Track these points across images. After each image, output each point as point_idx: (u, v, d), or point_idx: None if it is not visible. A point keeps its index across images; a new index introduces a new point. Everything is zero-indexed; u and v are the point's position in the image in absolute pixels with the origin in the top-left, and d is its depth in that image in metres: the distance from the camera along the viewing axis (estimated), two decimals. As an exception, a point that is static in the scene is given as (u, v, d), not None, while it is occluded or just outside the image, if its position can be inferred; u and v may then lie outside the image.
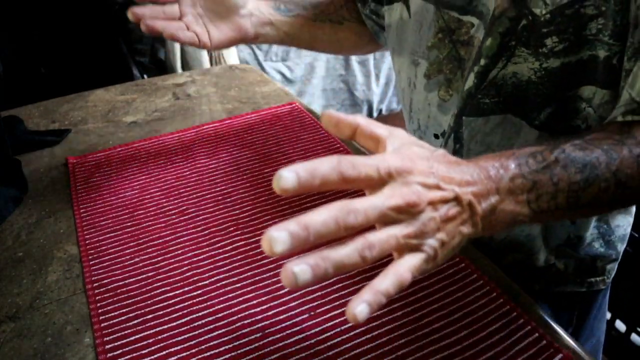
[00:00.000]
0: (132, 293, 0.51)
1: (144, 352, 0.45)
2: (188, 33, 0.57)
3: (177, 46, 1.58)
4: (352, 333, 0.47)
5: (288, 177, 0.29)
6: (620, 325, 1.08)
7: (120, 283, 0.52)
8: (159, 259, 0.56)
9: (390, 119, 2.19)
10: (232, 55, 1.70)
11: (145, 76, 1.66)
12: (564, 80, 0.47)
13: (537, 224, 0.57)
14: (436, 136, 0.60)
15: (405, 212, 0.32)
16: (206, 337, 0.47)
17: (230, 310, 0.49)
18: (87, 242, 0.58)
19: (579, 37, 0.45)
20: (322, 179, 0.30)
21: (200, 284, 0.52)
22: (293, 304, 0.50)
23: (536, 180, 0.36)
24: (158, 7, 0.57)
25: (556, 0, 0.44)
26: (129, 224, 0.61)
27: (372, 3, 0.70)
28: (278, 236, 0.28)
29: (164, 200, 0.65)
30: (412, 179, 0.33)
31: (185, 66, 1.63)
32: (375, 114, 2.11)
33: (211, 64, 1.63)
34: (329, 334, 0.47)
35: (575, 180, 0.36)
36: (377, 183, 0.33)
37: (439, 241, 0.34)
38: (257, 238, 0.58)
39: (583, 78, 0.47)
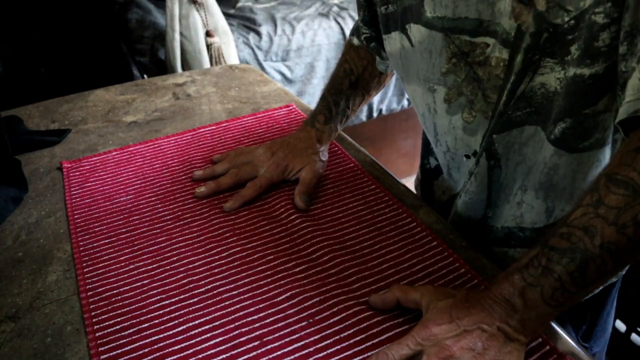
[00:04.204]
0: (127, 301, 0.50)
1: None
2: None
3: (177, 46, 1.58)
4: (352, 341, 0.46)
5: None
6: (620, 325, 1.08)
7: (115, 291, 0.52)
8: (154, 265, 0.55)
9: (390, 118, 2.18)
10: (232, 55, 1.70)
11: (145, 76, 1.66)
12: (579, 94, 0.46)
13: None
14: (467, 156, 0.60)
15: None
16: (203, 346, 0.46)
17: (228, 318, 0.49)
18: (81, 248, 0.57)
19: (590, 47, 0.43)
20: None
21: (196, 291, 0.52)
22: (291, 311, 0.49)
23: (542, 284, 0.41)
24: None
25: (579, 5, 0.42)
26: (123, 230, 0.60)
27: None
28: None
29: (160, 206, 0.64)
30: (440, 338, 0.42)
31: (185, 66, 1.63)
32: (375, 114, 2.11)
33: (211, 64, 1.62)
34: (328, 341, 0.46)
35: (572, 270, 0.40)
36: (415, 354, 0.42)
37: None
38: (254, 244, 0.58)
39: (599, 94, 0.46)
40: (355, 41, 0.73)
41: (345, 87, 0.73)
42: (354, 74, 0.73)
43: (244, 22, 1.94)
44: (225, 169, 0.69)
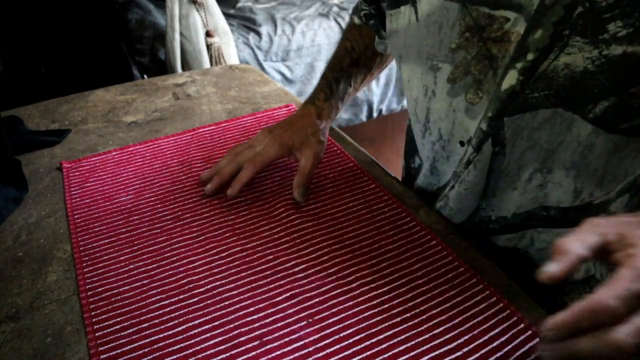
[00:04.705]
0: (127, 301, 0.50)
1: None
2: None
3: (177, 46, 1.58)
4: (351, 340, 0.46)
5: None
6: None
7: (115, 291, 0.52)
8: (154, 265, 0.55)
9: (390, 118, 2.19)
10: (232, 55, 1.70)
11: (145, 76, 1.66)
12: (626, 72, 0.44)
13: None
14: (462, 143, 0.57)
15: None
16: (202, 345, 0.46)
17: (227, 318, 0.49)
18: (81, 248, 0.57)
19: None
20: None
21: (196, 291, 0.52)
22: (291, 310, 0.49)
23: None
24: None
25: None
26: (123, 230, 0.60)
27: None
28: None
29: (159, 206, 0.64)
30: None
31: (185, 66, 1.63)
32: (375, 114, 2.11)
33: (211, 64, 1.63)
34: (327, 341, 0.46)
35: None
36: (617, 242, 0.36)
37: None
38: (253, 244, 0.58)
39: None
40: (357, 20, 0.72)
41: (346, 65, 0.72)
42: (355, 52, 0.72)
43: (244, 22, 1.94)
44: (227, 161, 0.67)
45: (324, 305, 0.50)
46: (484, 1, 0.49)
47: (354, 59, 0.72)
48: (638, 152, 0.50)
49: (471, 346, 0.46)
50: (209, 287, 0.52)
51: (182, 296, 0.51)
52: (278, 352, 0.45)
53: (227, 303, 0.50)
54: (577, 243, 0.36)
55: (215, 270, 0.54)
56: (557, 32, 0.44)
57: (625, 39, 0.43)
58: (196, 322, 0.48)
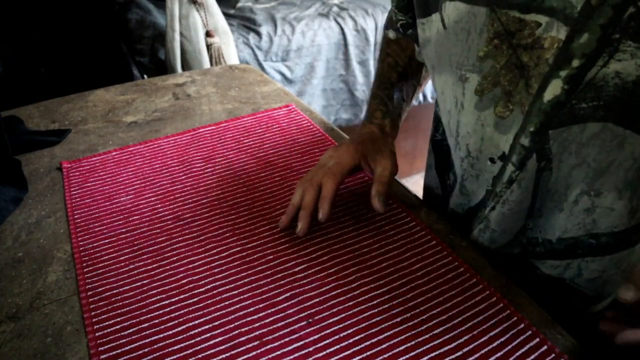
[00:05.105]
0: (127, 301, 0.51)
1: None
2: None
3: (177, 46, 1.58)
4: (351, 340, 0.46)
5: None
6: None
7: (115, 291, 0.52)
8: (154, 265, 0.55)
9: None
10: (232, 55, 1.70)
11: (145, 76, 1.66)
12: None
13: None
14: (492, 160, 0.53)
15: None
16: (202, 345, 0.46)
17: (227, 318, 0.49)
18: (81, 248, 0.57)
19: None
20: None
21: (196, 291, 0.52)
22: (291, 311, 0.49)
23: None
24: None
25: None
26: (123, 230, 0.60)
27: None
28: None
29: (159, 206, 0.64)
30: None
31: (185, 66, 1.63)
32: (375, 114, 2.11)
33: (211, 64, 1.63)
34: (327, 341, 0.46)
35: None
36: None
37: None
38: (253, 244, 0.58)
39: None
40: (392, 34, 0.70)
41: (395, 80, 0.69)
42: (400, 66, 0.69)
43: (244, 22, 1.95)
44: (301, 191, 0.59)
45: (324, 305, 0.50)
46: (514, 4, 0.45)
47: (400, 73, 0.69)
48: None
49: (471, 346, 0.46)
50: (209, 287, 0.52)
51: (182, 296, 0.51)
52: (278, 352, 0.45)
53: (227, 303, 0.50)
54: None
55: (215, 270, 0.54)
56: (605, 36, 0.40)
57: None
58: (196, 322, 0.48)
